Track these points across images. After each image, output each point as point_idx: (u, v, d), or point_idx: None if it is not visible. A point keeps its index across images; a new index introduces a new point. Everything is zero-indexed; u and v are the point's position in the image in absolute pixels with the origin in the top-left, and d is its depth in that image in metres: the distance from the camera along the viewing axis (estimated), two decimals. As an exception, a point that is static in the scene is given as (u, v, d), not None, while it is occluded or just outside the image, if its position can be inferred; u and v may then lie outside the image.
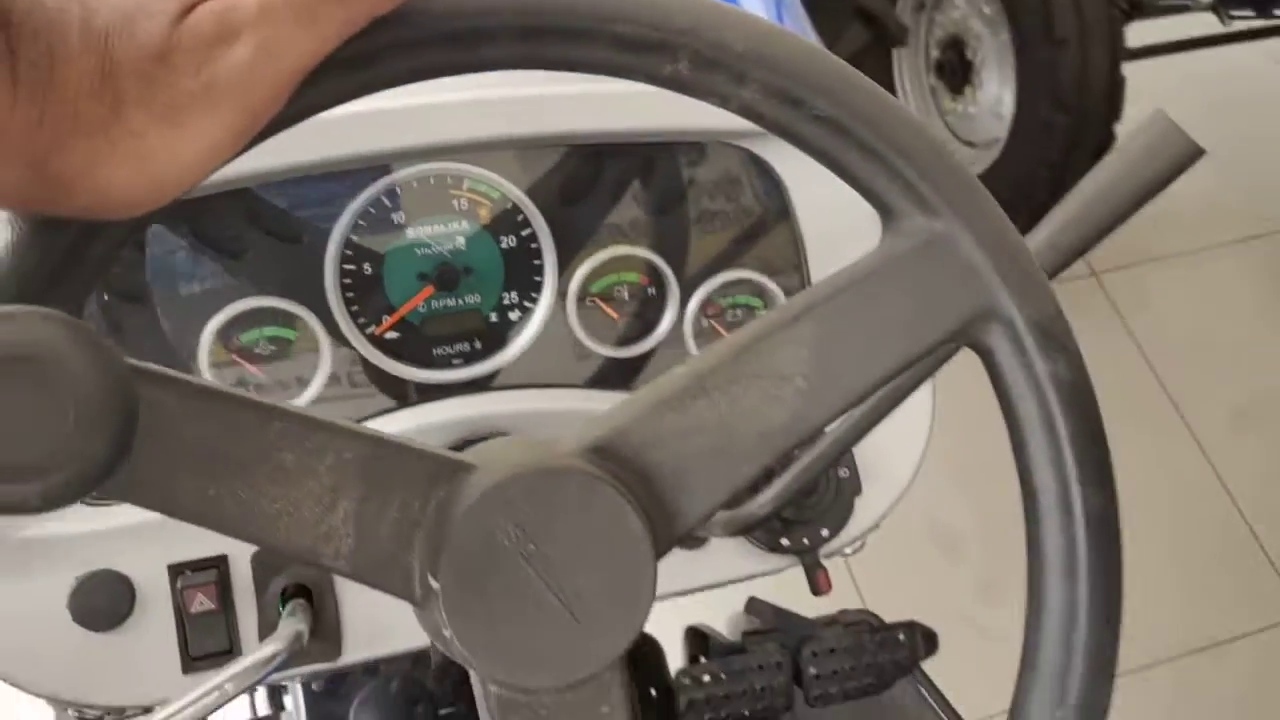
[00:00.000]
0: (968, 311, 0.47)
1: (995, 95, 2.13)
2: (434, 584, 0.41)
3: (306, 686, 0.99)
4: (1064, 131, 1.97)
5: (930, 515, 2.07)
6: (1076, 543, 0.47)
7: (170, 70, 0.36)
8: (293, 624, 0.66)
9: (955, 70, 2.24)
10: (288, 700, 1.06)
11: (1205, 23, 2.43)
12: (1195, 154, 0.57)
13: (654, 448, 0.44)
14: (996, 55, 2.13)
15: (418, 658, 1.00)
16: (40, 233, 0.39)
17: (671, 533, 0.45)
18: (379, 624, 0.73)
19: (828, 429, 0.56)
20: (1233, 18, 2.38)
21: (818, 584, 0.77)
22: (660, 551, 0.44)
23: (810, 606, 0.91)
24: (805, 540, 0.76)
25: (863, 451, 0.78)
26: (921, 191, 0.46)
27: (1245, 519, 2.15)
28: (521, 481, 0.41)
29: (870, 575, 1.91)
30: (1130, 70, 2.01)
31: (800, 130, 0.46)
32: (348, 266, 0.74)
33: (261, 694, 1.19)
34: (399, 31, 0.41)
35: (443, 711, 0.99)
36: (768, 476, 0.70)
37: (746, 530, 0.70)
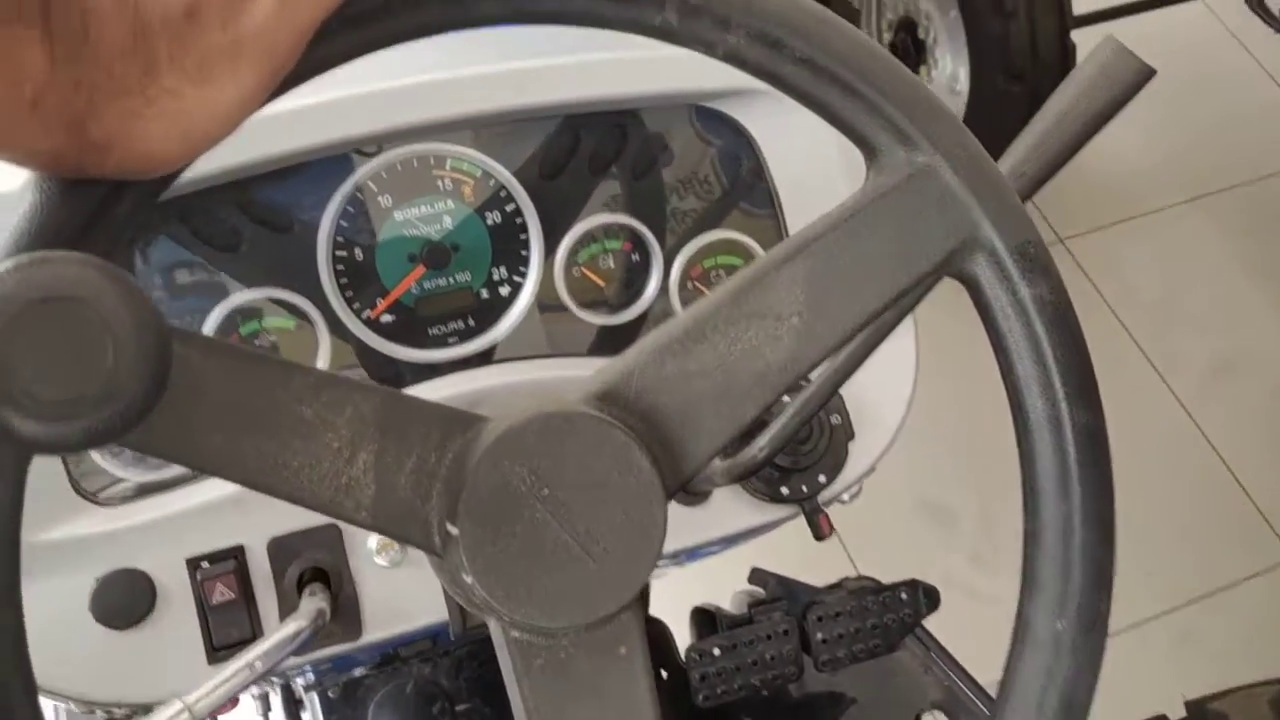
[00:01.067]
0: (953, 241, 0.48)
1: (951, 72, 2.15)
2: (452, 530, 0.43)
3: (323, 694, 0.99)
4: (1020, 100, 1.99)
5: (922, 493, 2.08)
6: (1068, 458, 0.48)
7: (198, 27, 0.36)
8: (314, 602, 0.67)
9: (909, 51, 2.26)
10: (305, 715, 1.07)
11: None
12: (1146, 74, 0.59)
13: (658, 392, 0.46)
14: (948, 32, 2.14)
15: (433, 659, 1.01)
16: (69, 194, 0.39)
17: (680, 472, 0.46)
18: (396, 604, 0.74)
19: (818, 369, 0.58)
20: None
21: (820, 528, 0.78)
22: (670, 491, 0.45)
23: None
24: (804, 488, 0.78)
25: (853, 398, 0.80)
26: (902, 126, 0.48)
27: (1230, 469, 2.18)
28: (533, 428, 0.43)
29: (866, 553, 1.92)
30: (1079, 36, 2.04)
31: (783, 73, 0.48)
32: (339, 253, 0.75)
33: (278, 705, 1.19)
34: None
35: (459, 708, 1.00)
36: (763, 423, 0.71)
37: (746, 475, 0.71)
